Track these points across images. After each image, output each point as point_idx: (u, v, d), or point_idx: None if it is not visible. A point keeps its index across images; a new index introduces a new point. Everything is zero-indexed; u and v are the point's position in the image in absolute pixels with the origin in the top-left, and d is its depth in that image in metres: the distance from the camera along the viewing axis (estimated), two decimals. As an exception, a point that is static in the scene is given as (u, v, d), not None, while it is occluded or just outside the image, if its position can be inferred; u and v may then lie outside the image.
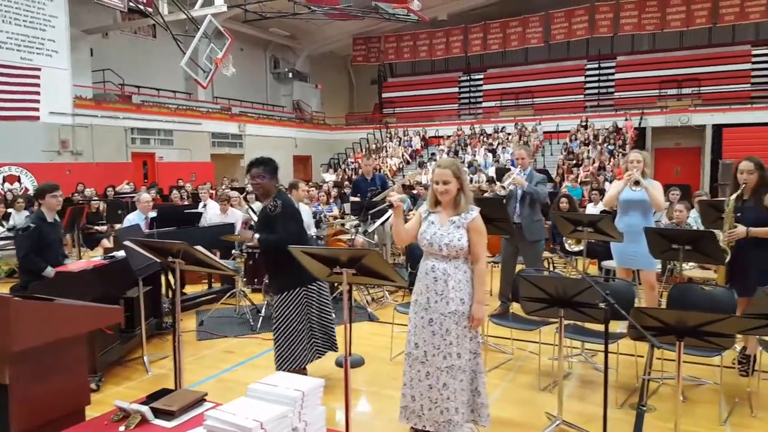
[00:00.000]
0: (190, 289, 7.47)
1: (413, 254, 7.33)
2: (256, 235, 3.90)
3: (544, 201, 6.14)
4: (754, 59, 22.63)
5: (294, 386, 1.97)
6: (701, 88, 22.49)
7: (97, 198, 11.88)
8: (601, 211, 7.50)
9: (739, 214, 4.42)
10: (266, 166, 3.98)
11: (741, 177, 4.39)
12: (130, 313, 5.14)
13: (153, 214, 6.90)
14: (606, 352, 3.08)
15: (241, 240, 3.89)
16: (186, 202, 11.59)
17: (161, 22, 17.27)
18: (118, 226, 10.32)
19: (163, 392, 2.38)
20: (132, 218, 6.77)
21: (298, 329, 4.02)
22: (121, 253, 5.01)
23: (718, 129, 20.77)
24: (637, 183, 4.99)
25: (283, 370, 3.94)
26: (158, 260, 3.40)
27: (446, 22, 26.39)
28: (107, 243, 9.42)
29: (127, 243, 3.34)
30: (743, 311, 3.15)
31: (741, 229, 4.31)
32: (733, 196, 4.47)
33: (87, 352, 2.52)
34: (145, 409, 2.18)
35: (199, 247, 3.11)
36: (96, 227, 10.04)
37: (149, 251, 3.32)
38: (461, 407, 3.27)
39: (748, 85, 22.23)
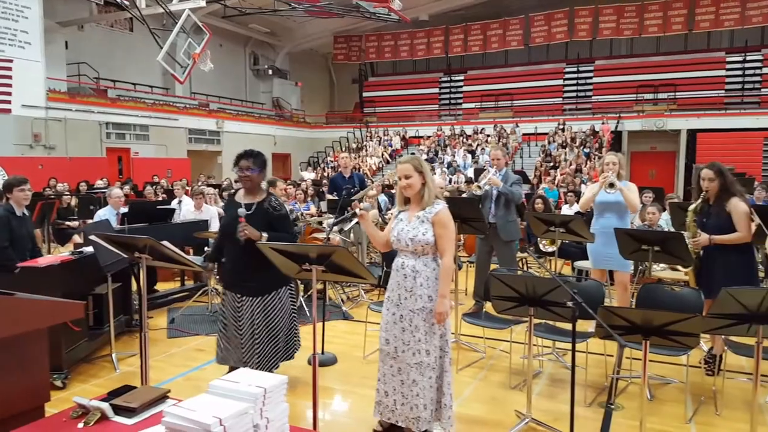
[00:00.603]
0: (162, 287, 7.38)
1: (388, 253, 7.33)
2: (265, 234, 3.71)
3: (519, 201, 6.18)
4: (728, 66, 23.05)
5: (256, 383, 1.95)
6: (677, 94, 22.83)
7: (69, 193, 11.68)
8: (576, 213, 7.59)
9: (705, 220, 4.48)
10: (256, 158, 3.86)
11: (703, 184, 4.45)
12: (99, 310, 5.06)
13: (124, 209, 6.80)
14: (573, 350, 3.10)
15: (250, 236, 3.65)
16: (160, 198, 11.45)
17: (138, 16, 17.02)
18: (90, 221, 10.18)
19: (126, 389, 2.34)
20: (102, 213, 6.66)
21: (280, 329, 3.99)
22: (90, 249, 4.93)
23: (692, 134, 21.12)
24: (611, 185, 5.04)
25: (267, 370, 3.90)
26: (125, 255, 3.34)
27: (427, 22, 26.44)
28: (78, 239, 9.27)
29: (92, 238, 3.27)
30: (707, 311, 3.19)
31: (704, 237, 4.38)
32: (692, 206, 4.54)
33: (48, 348, 2.47)
34: (105, 405, 2.13)
35: (165, 243, 3.07)
36: (67, 222, 9.87)
37: (115, 246, 3.27)
38: (429, 404, 3.31)
39: (722, 91, 22.62)
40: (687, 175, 20.48)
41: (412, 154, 19.51)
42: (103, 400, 2.21)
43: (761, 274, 6.48)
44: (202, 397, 1.91)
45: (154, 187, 11.59)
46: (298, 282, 6.33)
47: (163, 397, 2.27)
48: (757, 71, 22.54)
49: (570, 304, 3.04)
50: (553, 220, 5.12)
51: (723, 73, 22.96)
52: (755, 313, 2.99)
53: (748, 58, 22.88)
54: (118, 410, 2.15)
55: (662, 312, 3.02)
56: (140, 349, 3.43)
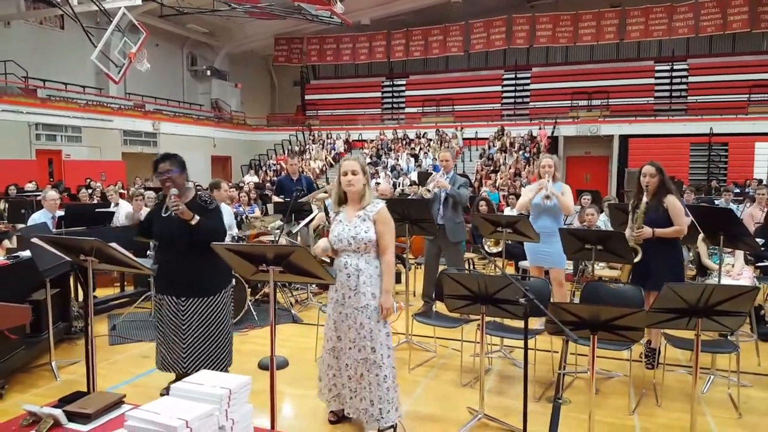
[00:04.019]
0: (101, 293, 7.11)
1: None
2: (197, 217, 3.68)
3: (466, 204, 6.30)
4: (656, 74, 24.17)
5: (220, 384, 1.91)
6: (609, 100, 23.76)
7: (-5, 197, 11.08)
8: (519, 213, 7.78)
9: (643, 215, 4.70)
10: (173, 159, 3.81)
11: (643, 180, 4.70)
12: (37, 316, 4.83)
13: (60, 213, 6.52)
14: (526, 346, 3.17)
15: (182, 214, 3.59)
16: (95, 202, 11.04)
17: (70, 13, 16.34)
18: (20, 226, 9.68)
19: (78, 395, 2.26)
20: (37, 217, 6.38)
21: (228, 328, 3.95)
22: (26, 253, 4.72)
23: (624, 139, 22.02)
24: (548, 197, 5.28)
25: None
26: (69, 259, 3.21)
27: (369, 27, 26.56)
28: (8, 244, 8.79)
29: (35, 240, 3.12)
30: (651, 306, 3.34)
31: (647, 230, 4.59)
32: (645, 199, 4.75)
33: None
34: (57, 412, 2.05)
35: (114, 245, 2.97)
36: (-4, 227, 9.36)
37: (60, 249, 3.13)
38: (377, 401, 3.37)
39: (652, 98, 23.69)
40: (619, 178, 21.33)
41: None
42: (55, 407, 2.13)
43: (692, 273, 6.84)
44: (165, 399, 1.86)
45: (90, 190, 11.13)
46: (246, 285, 6.23)
47: (118, 402, 2.20)
48: (684, 80, 23.76)
49: (522, 301, 3.12)
50: (500, 221, 5.24)
51: (652, 81, 24.07)
52: (695, 308, 3.14)
53: (675, 67, 24.07)
54: (72, 417, 2.07)
55: (609, 307, 3.14)
56: (86, 355, 3.31)
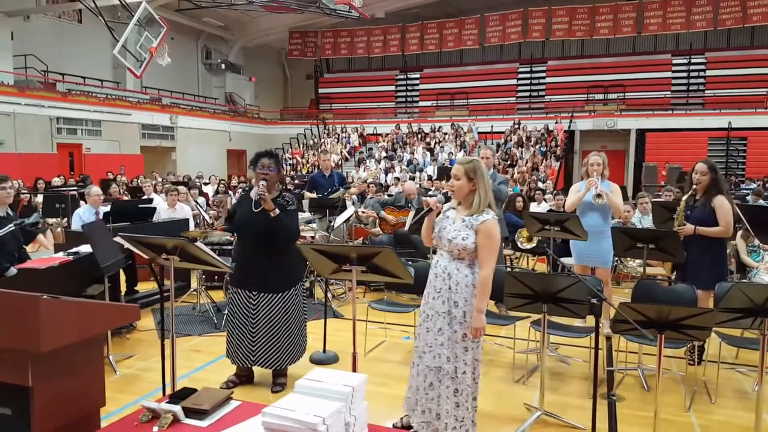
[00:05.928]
0: (141, 287, 7.20)
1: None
2: (277, 210, 3.83)
3: (505, 200, 6.35)
4: (674, 68, 24.06)
5: (342, 381, 1.98)
6: (626, 94, 23.67)
7: (26, 191, 11.22)
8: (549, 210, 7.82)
9: (689, 212, 4.74)
10: (276, 159, 4.03)
11: (695, 177, 4.72)
12: (91, 311, 4.93)
13: (104, 208, 6.62)
14: (597, 345, 3.24)
15: (265, 201, 3.76)
16: (124, 197, 11.16)
17: (92, 7, 16.40)
18: (52, 220, 9.81)
19: (186, 392, 2.33)
20: (82, 212, 6.47)
21: (295, 326, 4.07)
22: (85, 249, 4.81)
23: (641, 133, 21.96)
24: (599, 196, 5.17)
25: (281, 367, 3.99)
26: (148, 257, 3.29)
27: (383, 20, 26.51)
28: (44, 238, 8.90)
29: (117, 239, 3.21)
30: (719, 306, 3.39)
31: (689, 227, 4.63)
32: (686, 196, 4.80)
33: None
34: (176, 408, 2.13)
35: (198, 244, 3.04)
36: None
37: (141, 248, 3.21)
38: (444, 415, 3.17)
39: (669, 92, 23.60)
40: (636, 173, 21.27)
41: (370, 150, 19.28)
42: (168, 403, 2.21)
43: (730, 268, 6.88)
44: (292, 397, 1.93)
45: (120, 186, 11.25)
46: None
47: (228, 399, 2.28)
48: (701, 74, 23.65)
49: (594, 301, 3.17)
50: (549, 219, 5.28)
51: (669, 74, 23.97)
52: (762, 307, 3.19)
53: (692, 60, 23.95)
54: (189, 413, 2.15)
55: (679, 307, 3.19)
56: (162, 351, 3.42)
